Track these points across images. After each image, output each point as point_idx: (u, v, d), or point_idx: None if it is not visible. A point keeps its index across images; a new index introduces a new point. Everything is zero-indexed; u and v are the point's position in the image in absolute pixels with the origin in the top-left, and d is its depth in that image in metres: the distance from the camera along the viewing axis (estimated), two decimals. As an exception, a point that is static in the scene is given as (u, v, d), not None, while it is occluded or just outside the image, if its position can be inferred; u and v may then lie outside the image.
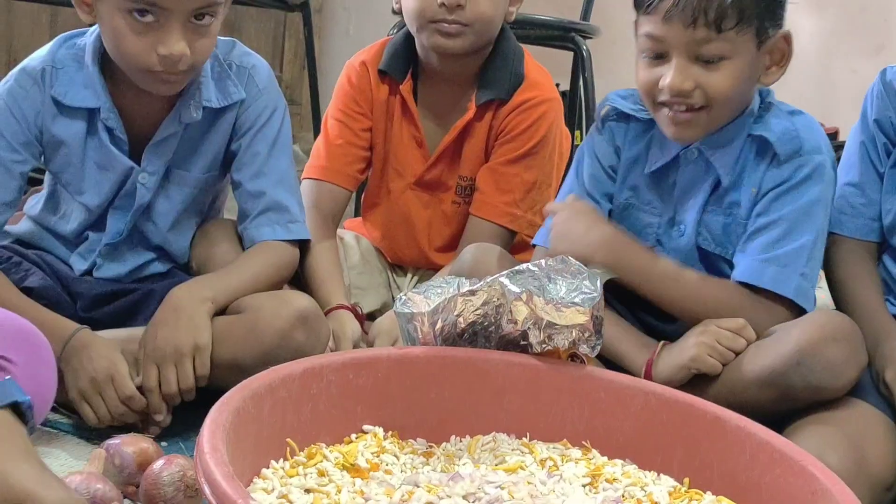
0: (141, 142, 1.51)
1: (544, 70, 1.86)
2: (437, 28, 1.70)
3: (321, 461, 1.07)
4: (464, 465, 1.11)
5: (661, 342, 1.39)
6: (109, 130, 1.49)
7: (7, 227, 1.54)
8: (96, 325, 1.43)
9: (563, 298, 1.20)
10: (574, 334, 1.21)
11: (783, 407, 1.29)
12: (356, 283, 1.82)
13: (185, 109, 1.50)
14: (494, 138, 1.80)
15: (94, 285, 1.53)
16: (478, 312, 1.24)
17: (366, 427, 1.16)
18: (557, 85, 1.97)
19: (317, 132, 2.30)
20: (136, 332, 1.40)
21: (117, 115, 1.48)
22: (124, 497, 1.15)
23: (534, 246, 1.58)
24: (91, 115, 1.48)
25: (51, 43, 1.50)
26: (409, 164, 1.84)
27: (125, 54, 1.39)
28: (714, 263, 1.49)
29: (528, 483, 1.05)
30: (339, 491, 1.01)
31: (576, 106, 2.67)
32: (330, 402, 1.13)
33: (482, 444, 1.17)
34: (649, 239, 1.51)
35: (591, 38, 2.54)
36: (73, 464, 1.26)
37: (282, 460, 1.07)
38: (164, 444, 1.31)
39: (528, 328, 1.22)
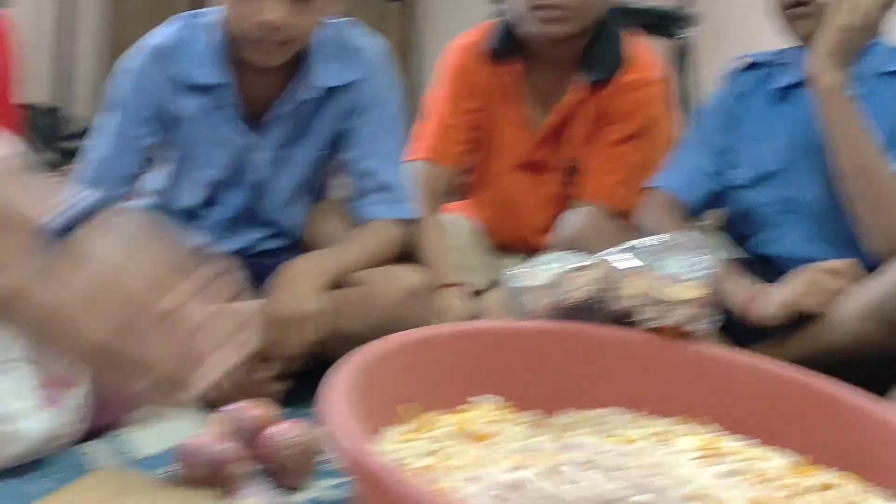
0: (257, 119, 1.54)
1: (651, 51, 1.85)
2: (539, 14, 1.70)
3: (436, 428, 1.08)
4: (578, 435, 1.11)
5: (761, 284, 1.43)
6: (228, 107, 1.52)
7: (124, 205, 1.59)
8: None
9: (678, 274, 1.19)
10: (689, 310, 1.20)
11: (887, 342, 1.31)
12: (462, 263, 1.84)
13: (299, 88, 1.53)
14: (598, 120, 1.80)
15: (210, 261, 1.57)
16: (588, 289, 1.23)
17: (479, 398, 1.17)
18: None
19: (412, 118, 2.31)
20: (252, 305, 1.44)
21: (237, 92, 1.52)
22: (243, 459, 1.18)
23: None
24: (211, 91, 1.53)
25: (172, 21, 1.55)
26: (514, 145, 1.85)
27: (231, 19, 1.43)
28: None
29: (642, 455, 1.05)
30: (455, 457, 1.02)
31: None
32: (443, 372, 1.14)
33: (595, 417, 1.17)
34: None
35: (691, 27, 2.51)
36: (193, 429, 1.29)
37: (397, 425, 1.08)
38: (282, 411, 1.34)
39: (640, 305, 1.21)
